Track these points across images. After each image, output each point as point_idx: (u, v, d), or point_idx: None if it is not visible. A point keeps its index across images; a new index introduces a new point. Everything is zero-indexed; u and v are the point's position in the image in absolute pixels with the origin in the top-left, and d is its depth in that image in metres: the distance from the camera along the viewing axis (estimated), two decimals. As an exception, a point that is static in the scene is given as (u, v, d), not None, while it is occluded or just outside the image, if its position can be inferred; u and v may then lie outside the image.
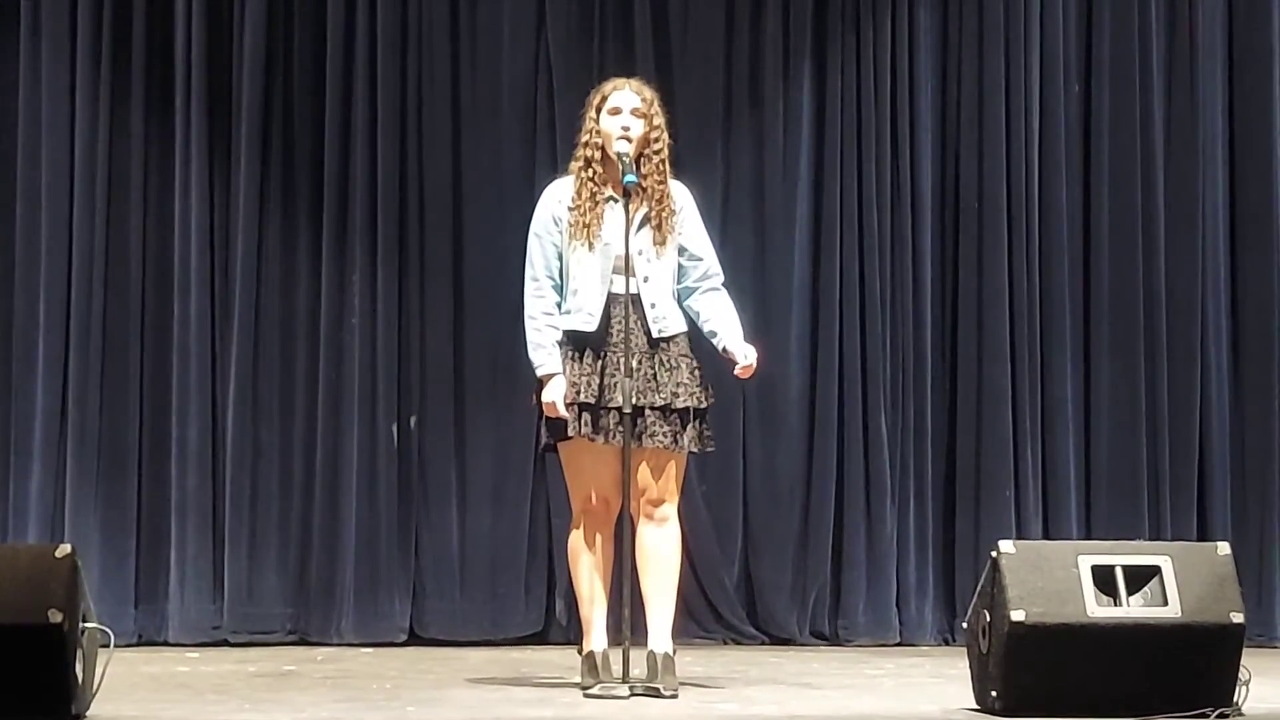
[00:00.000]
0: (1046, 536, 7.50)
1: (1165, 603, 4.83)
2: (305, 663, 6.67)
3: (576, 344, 5.48)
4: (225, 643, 7.25)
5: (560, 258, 5.55)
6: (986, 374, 7.67)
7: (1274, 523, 7.78)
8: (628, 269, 5.42)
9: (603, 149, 5.54)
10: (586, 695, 5.37)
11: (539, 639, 7.42)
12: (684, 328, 5.56)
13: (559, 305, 5.53)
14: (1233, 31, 7.93)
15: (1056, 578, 4.81)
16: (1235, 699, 4.86)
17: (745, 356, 5.51)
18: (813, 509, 7.60)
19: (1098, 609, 4.80)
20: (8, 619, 4.44)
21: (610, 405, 5.39)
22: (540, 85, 7.59)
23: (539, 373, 5.50)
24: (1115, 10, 7.84)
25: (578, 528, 5.57)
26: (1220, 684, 4.85)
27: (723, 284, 5.66)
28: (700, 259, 5.61)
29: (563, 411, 5.42)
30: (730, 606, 7.53)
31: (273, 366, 7.44)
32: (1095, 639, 4.78)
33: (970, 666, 5.03)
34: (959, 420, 7.70)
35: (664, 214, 5.53)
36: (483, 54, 7.61)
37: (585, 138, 5.59)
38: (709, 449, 5.62)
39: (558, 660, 6.53)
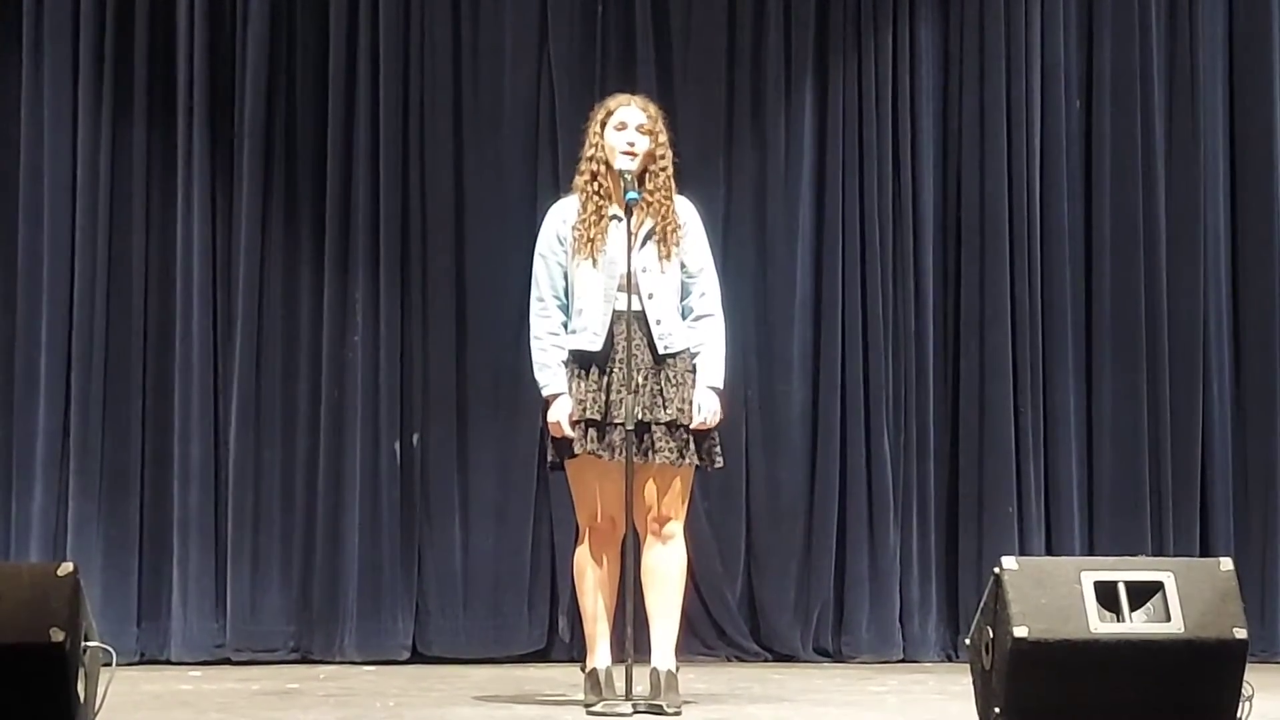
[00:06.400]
0: (1049, 553, 7.50)
1: (1168, 619, 4.82)
2: (308, 681, 6.66)
3: (582, 361, 5.48)
4: (228, 661, 7.25)
5: (566, 277, 5.55)
6: (988, 390, 7.67)
7: (1277, 538, 7.78)
8: (630, 286, 5.42)
9: (606, 164, 5.54)
10: (590, 713, 5.36)
11: (542, 656, 7.42)
12: (689, 343, 5.55)
13: (565, 325, 5.53)
14: (1233, 48, 7.94)
15: (1059, 594, 4.80)
16: (1238, 715, 4.85)
17: (700, 410, 5.47)
18: (815, 525, 7.60)
19: (1100, 625, 4.79)
20: (9, 638, 4.44)
21: (616, 422, 5.39)
22: (542, 104, 7.60)
23: (544, 393, 5.51)
24: (1116, 27, 7.85)
25: (584, 545, 5.57)
26: (1223, 700, 4.84)
27: (719, 304, 5.62)
28: (696, 277, 5.59)
29: (568, 431, 5.43)
30: (733, 623, 7.53)
31: (275, 384, 7.44)
32: (1098, 655, 4.77)
33: (973, 683, 5.02)
34: (961, 436, 7.70)
35: (668, 229, 5.53)
36: (485, 73, 7.63)
37: (589, 152, 5.59)
38: (717, 464, 5.60)
39: (561, 678, 6.53)
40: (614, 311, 5.46)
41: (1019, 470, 7.66)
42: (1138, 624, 4.83)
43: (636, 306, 5.44)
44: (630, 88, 6.07)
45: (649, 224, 5.52)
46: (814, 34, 7.74)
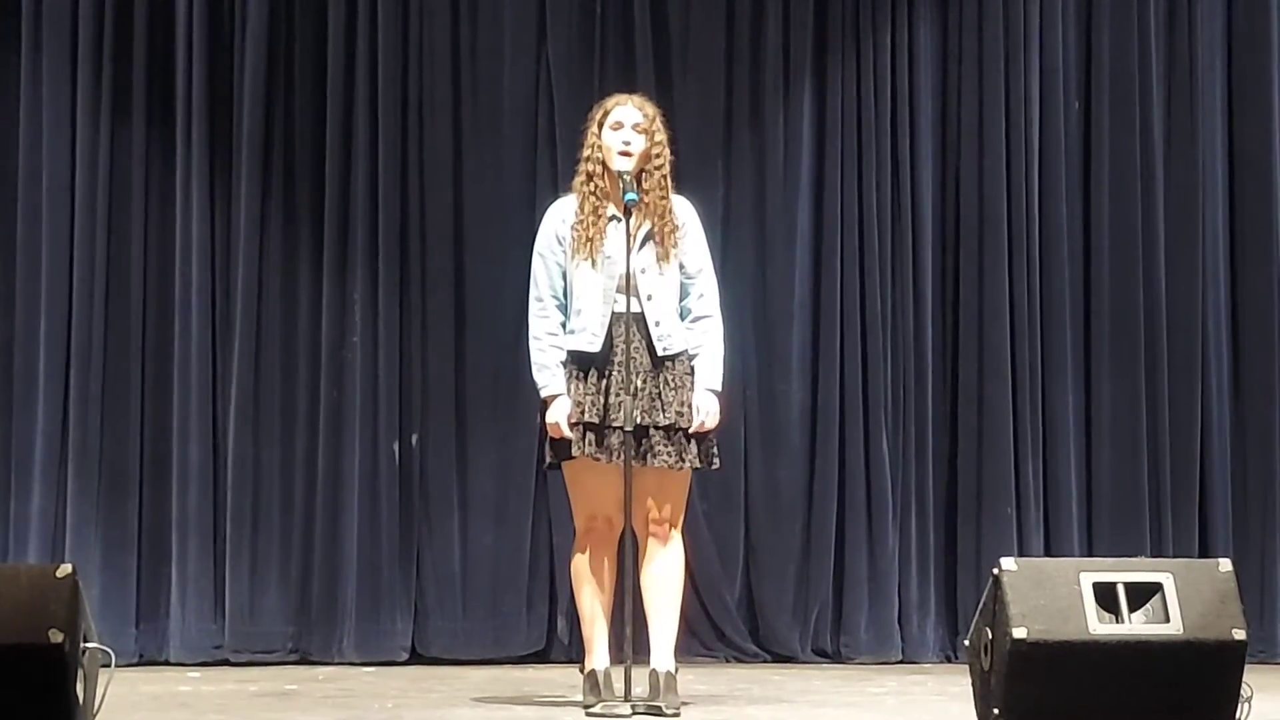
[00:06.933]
0: (1048, 553, 7.49)
1: (1167, 620, 4.82)
2: (307, 682, 6.66)
3: (580, 363, 5.47)
4: (226, 662, 7.25)
5: (564, 277, 5.55)
6: (987, 390, 7.67)
7: (1276, 538, 7.78)
8: (629, 288, 5.42)
9: (604, 164, 5.54)
10: (589, 714, 5.36)
11: (541, 657, 7.42)
12: (688, 344, 5.55)
13: (563, 325, 5.53)
14: (1232, 47, 7.94)
15: (1058, 595, 4.80)
16: (1237, 716, 4.85)
17: (699, 412, 5.48)
18: (814, 526, 7.60)
19: (1099, 626, 4.79)
20: (8, 639, 4.43)
21: (614, 424, 5.39)
22: (541, 104, 7.60)
23: (542, 394, 5.50)
24: (1114, 27, 7.85)
25: (581, 547, 5.57)
26: (1222, 701, 4.84)
27: (718, 305, 5.62)
28: (695, 278, 5.59)
29: (566, 432, 5.43)
30: (732, 624, 7.53)
31: (274, 385, 7.44)
32: (1097, 656, 4.77)
33: (972, 684, 5.02)
34: (960, 437, 7.70)
35: (666, 230, 5.53)
36: (483, 73, 7.62)
37: (587, 152, 5.59)
38: (714, 465, 5.61)
39: (560, 679, 6.53)
40: (613, 313, 5.46)
41: (1018, 471, 7.65)
42: (1137, 625, 4.83)
43: (635, 308, 5.43)
44: (629, 88, 6.07)
45: (646, 225, 5.52)
46: (812, 34, 7.73)
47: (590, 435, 5.42)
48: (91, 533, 7.29)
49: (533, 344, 5.55)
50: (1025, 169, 7.75)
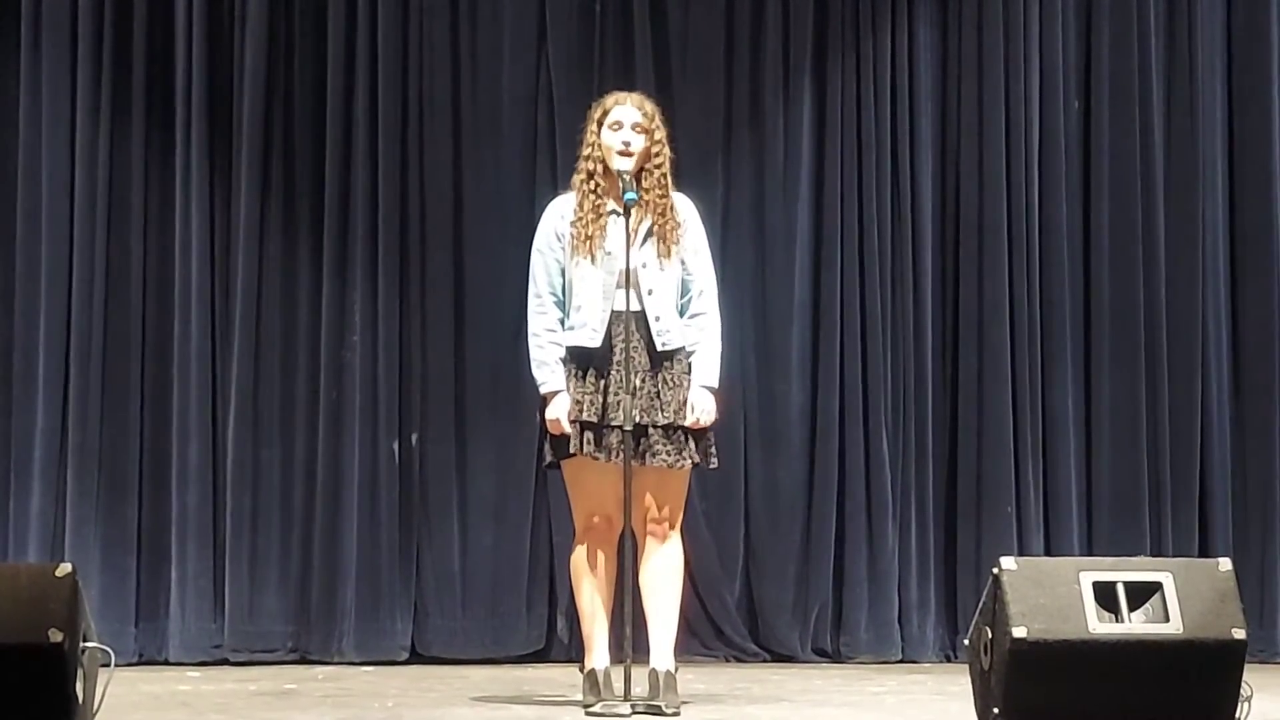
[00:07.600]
0: (1048, 553, 7.50)
1: (1167, 619, 4.82)
2: (306, 681, 6.66)
3: (579, 361, 5.47)
4: (226, 662, 7.25)
5: (563, 274, 5.54)
6: (987, 390, 7.67)
7: (1276, 538, 7.78)
8: (629, 284, 5.41)
9: (604, 162, 5.54)
10: (588, 713, 5.36)
11: (541, 657, 7.42)
12: (686, 341, 5.54)
13: (562, 322, 5.53)
14: (1231, 48, 7.94)
15: (1058, 594, 4.80)
16: (1237, 715, 4.85)
17: (694, 409, 5.47)
18: (814, 526, 7.60)
19: (1099, 625, 4.79)
20: (8, 638, 4.43)
21: (613, 423, 5.38)
22: (540, 104, 7.60)
23: (542, 390, 5.50)
24: (1114, 28, 7.86)
25: (580, 545, 5.56)
26: (1222, 701, 4.84)
27: (716, 303, 5.61)
28: (695, 275, 5.58)
29: (566, 428, 5.42)
30: (732, 624, 7.53)
31: (273, 384, 7.44)
32: (1097, 655, 4.77)
33: (972, 683, 5.02)
34: (960, 437, 7.70)
35: (667, 226, 5.52)
36: (483, 73, 7.62)
37: (587, 151, 5.59)
38: (712, 464, 5.61)
39: (560, 678, 6.53)
40: (613, 310, 5.45)
41: (1018, 470, 7.65)
42: (1136, 624, 4.83)
43: (635, 306, 5.43)
44: (628, 88, 6.06)
45: (648, 221, 5.52)
46: (812, 34, 7.73)
47: (589, 434, 5.41)
48: (91, 533, 7.29)
49: (532, 341, 5.55)
50: (1025, 169, 7.75)
